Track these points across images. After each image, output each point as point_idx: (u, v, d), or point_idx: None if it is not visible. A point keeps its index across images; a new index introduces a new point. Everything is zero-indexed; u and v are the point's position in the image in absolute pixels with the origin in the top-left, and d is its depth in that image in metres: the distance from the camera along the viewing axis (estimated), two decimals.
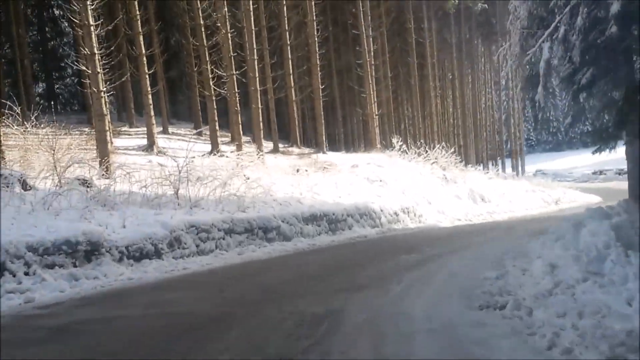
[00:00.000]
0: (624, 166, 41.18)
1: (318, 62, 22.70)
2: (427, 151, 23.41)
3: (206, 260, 9.97)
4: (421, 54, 30.49)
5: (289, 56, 22.69)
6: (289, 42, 22.66)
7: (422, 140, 26.26)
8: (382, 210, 15.93)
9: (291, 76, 22.98)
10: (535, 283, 6.23)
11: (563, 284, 5.82)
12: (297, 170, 17.26)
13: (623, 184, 39.92)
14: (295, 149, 22.82)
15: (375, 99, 25.86)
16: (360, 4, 24.37)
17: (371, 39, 25.53)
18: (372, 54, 25.38)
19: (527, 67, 15.17)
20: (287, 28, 22.37)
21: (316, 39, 22.47)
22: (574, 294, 5.46)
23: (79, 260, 8.26)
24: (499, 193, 22.95)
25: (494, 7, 36.90)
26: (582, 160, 67.20)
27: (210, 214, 11.22)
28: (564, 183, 40.14)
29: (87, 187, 10.80)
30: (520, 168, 39.10)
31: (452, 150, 25.23)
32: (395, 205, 16.66)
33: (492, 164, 38.45)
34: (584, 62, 7.15)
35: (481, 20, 37.07)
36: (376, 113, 25.53)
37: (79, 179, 11.14)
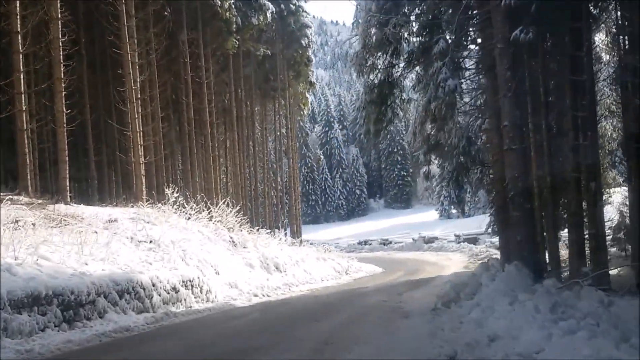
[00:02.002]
0: (388, 236, 41.80)
1: (62, 77, 16.41)
2: (209, 208, 18.55)
3: None
4: (198, 95, 25.97)
5: (20, 68, 16.04)
6: (21, 50, 16.07)
7: (202, 194, 21.35)
8: (154, 285, 10.53)
9: (22, 96, 16.25)
10: None
11: None
12: (16, 222, 10.80)
13: (390, 254, 40.53)
14: (25, 198, 15.77)
15: (142, 142, 20.27)
16: (125, 18, 18.97)
17: (137, 67, 20.19)
18: (138, 84, 19.98)
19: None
20: (18, 29, 15.83)
21: (60, 43, 16.21)
22: None
23: None
24: (293, 261, 19.11)
25: (274, 59, 34.72)
26: (343, 231, 69.58)
27: None
28: (338, 253, 38.85)
29: None
30: (301, 235, 36.60)
31: (238, 208, 20.82)
32: (174, 277, 11.37)
33: (277, 229, 35.09)
34: None
35: (261, 73, 34.45)
36: (143, 159, 19.93)
37: None
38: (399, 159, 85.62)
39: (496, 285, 7.13)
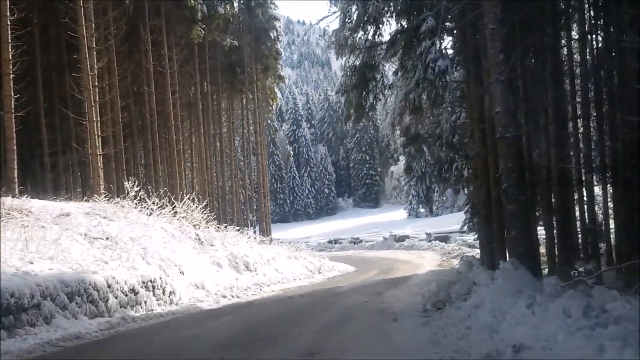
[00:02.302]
0: (358, 235, 41.41)
1: (10, 58, 14.95)
2: (173, 204, 17.36)
3: None
4: (161, 85, 24.58)
5: None
6: None
7: (166, 189, 20.07)
8: (110, 286, 9.41)
9: None
10: None
11: None
12: None
13: (362, 253, 39.84)
14: None
15: (100, 133, 18.88)
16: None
17: (95, 53, 18.74)
18: (95, 70, 18.58)
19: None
20: None
21: (9, 22, 14.76)
22: None
23: None
24: (264, 260, 18.12)
25: (241, 52, 33.39)
26: (312, 230, 68.76)
27: None
28: (310, 251, 37.91)
29: None
30: (270, 234, 35.48)
31: (204, 203, 19.65)
32: (133, 277, 10.26)
33: (246, 227, 33.92)
34: None
35: (228, 66, 33.09)
36: (101, 151, 18.57)
37: None
38: (367, 157, 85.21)
39: (498, 285, 6.33)
